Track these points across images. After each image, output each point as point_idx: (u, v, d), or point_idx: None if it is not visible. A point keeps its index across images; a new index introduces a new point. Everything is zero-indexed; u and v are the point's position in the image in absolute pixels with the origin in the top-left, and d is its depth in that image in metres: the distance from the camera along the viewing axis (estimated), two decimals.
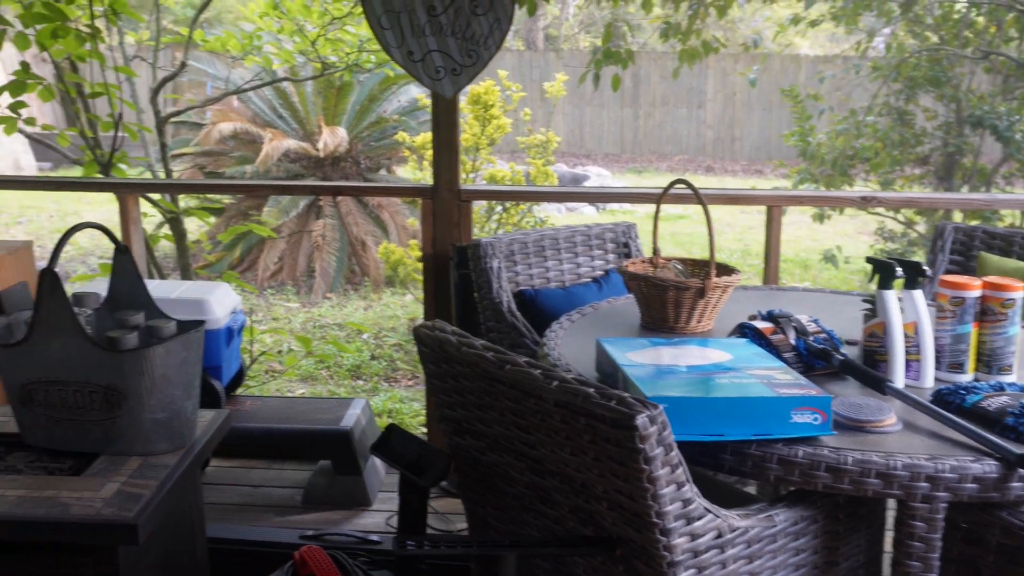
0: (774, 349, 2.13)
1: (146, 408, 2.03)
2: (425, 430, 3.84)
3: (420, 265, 5.72)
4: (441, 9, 2.96)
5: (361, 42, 4.98)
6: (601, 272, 3.16)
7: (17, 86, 3.89)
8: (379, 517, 3.20)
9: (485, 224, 5.91)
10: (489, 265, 2.87)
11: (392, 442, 2.17)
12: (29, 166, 13.40)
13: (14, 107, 3.95)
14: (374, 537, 2.96)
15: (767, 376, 1.88)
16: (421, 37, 2.98)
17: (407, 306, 7.40)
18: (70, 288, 2.22)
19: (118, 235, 3.64)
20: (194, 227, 7.89)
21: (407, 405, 5.39)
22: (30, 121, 4.08)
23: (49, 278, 2.00)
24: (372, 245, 7.86)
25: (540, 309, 2.91)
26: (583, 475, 1.66)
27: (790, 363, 2.08)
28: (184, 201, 5.30)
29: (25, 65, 3.89)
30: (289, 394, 5.54)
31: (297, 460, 3.58)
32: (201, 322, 2.16)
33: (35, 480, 1.95)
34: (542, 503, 1.83)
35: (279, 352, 5.97)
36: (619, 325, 2.50)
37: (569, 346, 2.32)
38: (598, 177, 12.77)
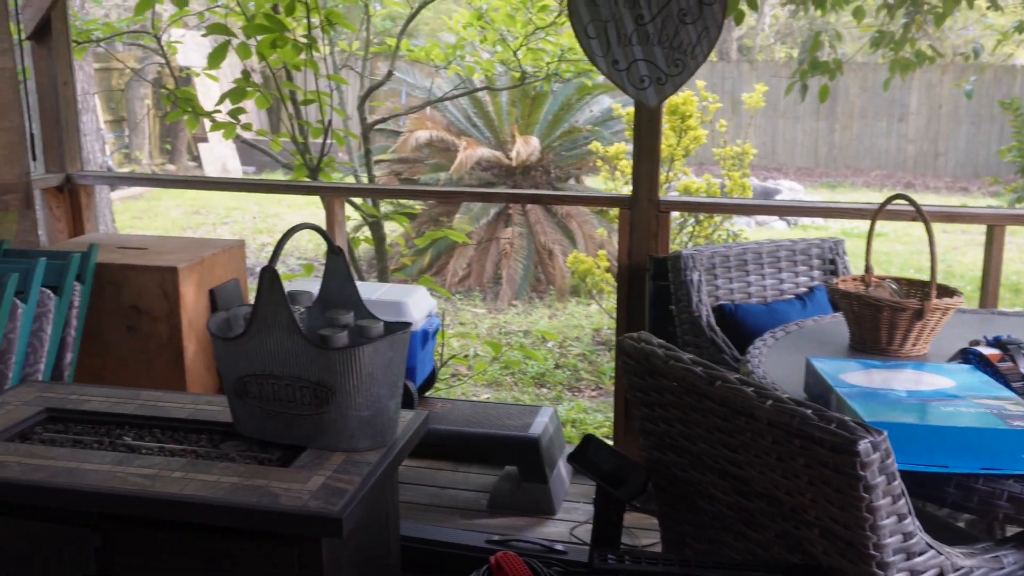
0: (1002, 378, 1.98)
1: (352, 405, 2.08)
2: (611, 443, 3.81)
3: (608, 275, 5.70)
4: (649, 18, 2.92)
5: (562, 52, 5.01)
6: (805, 289, 3.04)
7: (237, 93, 4.11)
8: (563, 527, 3.19)
9: (676, 236, 5.82)
10: (689, 278, 2.81)
11: (589, 453, 2.14)
12: (235, 169, 14.22)
13: (234, 113, 4.17)
14: (559, 547, 2.95)
15: (997, 407, 1.75)
16: (627, 46, 2.96)
17: (592, 316, 7.38)
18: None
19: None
20: (387, 231, 8.16)
21: (591, 416, 5.37)
22: (247, 127, 4.30)
23: (269, 275, 2.08)
24: (559, 254, 7.89)
25: (740, 324, 2.83)
26: (794, 499, 1.59)
27: (1020, 394, 1.93)
28: (382, 206, 5.46)
29: (246, 74, 4.11)
30: (474, 398, 5.62)
31: (484, 464, 3.61)
32: (407, 324, 2.20)
33: (247, 469, 2.03)
34: (745, 525, 1.76)
35: (466, 356, 6.07)
36: (826, 345, 2.40)
37: (774, 364, 2.24)
38: (790, 191, 12.40)
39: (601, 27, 2.96)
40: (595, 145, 6.53)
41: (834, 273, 3.06)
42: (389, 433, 2.17)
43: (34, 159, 3.85)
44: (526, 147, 8.22)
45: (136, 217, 11.39)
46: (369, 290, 3.52)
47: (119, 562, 1.97)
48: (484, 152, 8.37)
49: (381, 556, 2.28)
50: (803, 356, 2.11)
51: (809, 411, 1.48)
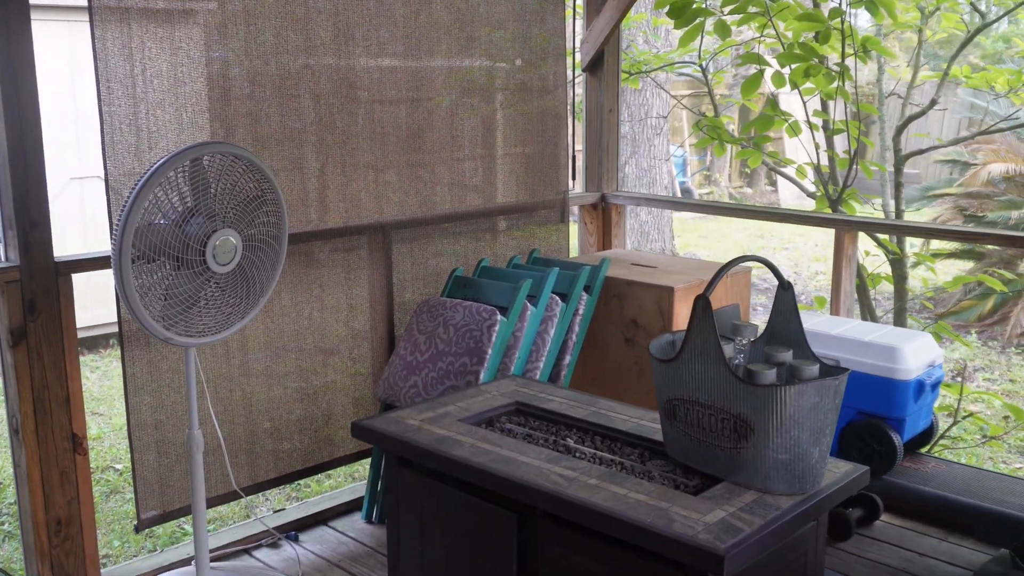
0: None
1: (770, 445, 2.02)
2: None
3: None
4: None
5: None
6: None
7: (764, 121, 4.14)
8: None
9: None
10: None
11: None
12: (809, 200, 14.12)
13: (759, 141, 4.21)
14: None
15: None
16: None
17: None
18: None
19: (829, 268, 3.67)
20: (953, 270, 7.55)
21: None
22: (773, 155, 4.31)
23: (702, 304, 2.10)
24: None
25: None
26: None
27: None
28: (927, 244, 5.06)
29: (772, 102, 4.12)
30: (1003, 466, 5.01)
31: (976, 539, 3.23)
32: (844, 370, 2.08)
33: (657, 490, 2.07)
34: None
35: (1005, 418, 5.43)
36: None
37: None
38: None
39: None
40: None
41: None
42: (810, 481, 2.06)
43: (573, 179, 4.25)
44: None
45: (702, 236, 11.88)
46: (863, 331, 3.34)
47: (535, 548, 2.14)
48: None
49: None
50: None
51: None
